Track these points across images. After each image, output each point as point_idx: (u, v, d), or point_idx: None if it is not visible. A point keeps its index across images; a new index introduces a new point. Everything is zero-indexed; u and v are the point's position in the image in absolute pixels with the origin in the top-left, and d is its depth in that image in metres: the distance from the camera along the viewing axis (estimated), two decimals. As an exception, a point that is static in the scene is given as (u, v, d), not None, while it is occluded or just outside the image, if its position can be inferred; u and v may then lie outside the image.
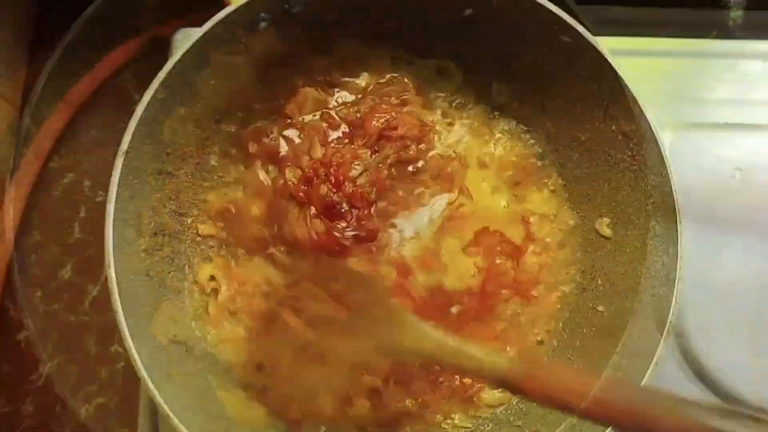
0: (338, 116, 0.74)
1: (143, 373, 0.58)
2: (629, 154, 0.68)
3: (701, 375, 0.76)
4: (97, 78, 0.84)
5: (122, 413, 0.75)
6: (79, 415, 0.76)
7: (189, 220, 0.72)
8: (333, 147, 0.73)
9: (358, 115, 0.74)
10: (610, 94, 0.66)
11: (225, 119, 0.72)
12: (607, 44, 0.65)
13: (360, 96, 0.75)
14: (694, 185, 0.78)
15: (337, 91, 0.75)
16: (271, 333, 0.65)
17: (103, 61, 0.84)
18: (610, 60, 0.65)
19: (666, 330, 0.61)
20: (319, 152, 0.72)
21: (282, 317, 0.62)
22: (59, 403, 0.77)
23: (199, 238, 0.73)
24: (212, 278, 0.71)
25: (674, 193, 0.63)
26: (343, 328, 0.59)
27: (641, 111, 0.64)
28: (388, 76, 0.76)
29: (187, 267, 0.71)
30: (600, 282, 0.72)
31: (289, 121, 0.74)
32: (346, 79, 0.76)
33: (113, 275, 0.59)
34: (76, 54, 0.80)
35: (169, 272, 0.69)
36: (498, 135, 0.77)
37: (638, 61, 0.84)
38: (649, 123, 0.64)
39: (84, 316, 0.79)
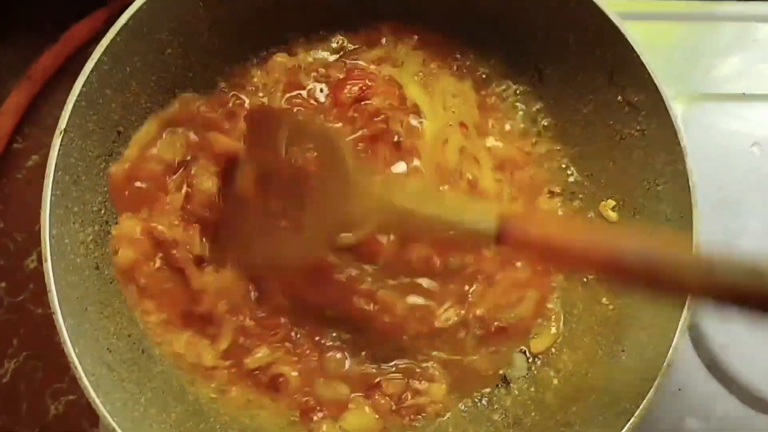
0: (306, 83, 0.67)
1: (85, 382, 0.52)
2: (637, 128, 0.62)
3: (716, 370, 0.72)
4: (63, 52, 0.80)
5: (93, 412, 0.68)
6: (48, 414, 0.73)
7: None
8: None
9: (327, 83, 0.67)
10: (615, 59, 0.60)
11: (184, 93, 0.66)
12: (609, 6, 0.59)
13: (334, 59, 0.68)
14: (708, 163, 0.74)
15: (311, 54, 0.68)
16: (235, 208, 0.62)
17: (69, 32, 0.80)
18: (614, 20, 0.58)
19: (680, 325, 0.54)
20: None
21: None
22: (26, 401, 0.74)
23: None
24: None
25: (688, 173, 0.56)
26: (310, 195, 0.56)
27: (651, 78, 0.58)
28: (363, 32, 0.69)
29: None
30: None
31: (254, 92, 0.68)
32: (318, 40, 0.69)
33: (50, 270, 0.53)
34: (40, 25, 0.79)
35: None
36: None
37: (644, 25, 0.78)
38: (660, 92, 0.57)
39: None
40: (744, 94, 0.77)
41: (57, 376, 0.74)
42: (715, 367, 0.71)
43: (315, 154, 0.56)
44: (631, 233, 0.50)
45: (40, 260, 0.69)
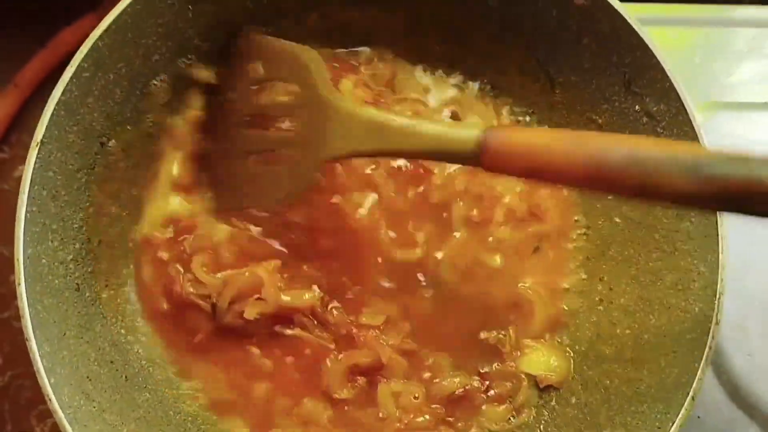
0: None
1: (60, 415, 0.49)
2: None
3: (737, 397, 0.69)
4: (51, 58, 0.77)
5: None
6: None
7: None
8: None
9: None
10: (634, 66, 0.57)
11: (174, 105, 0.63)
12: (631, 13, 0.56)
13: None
14: None
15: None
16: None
17: (57, 38, 0.77)
18: (632, 23, 0.55)
19: (705, 356, 0.50)
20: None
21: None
22: (10, 422, 0.71)
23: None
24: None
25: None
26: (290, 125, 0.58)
27: (673, 87, 0.54)
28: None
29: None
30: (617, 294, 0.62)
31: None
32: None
33: (23, 293, 0.50)
34: (27, 31, 0.77)
35: (106, 286, 0.60)
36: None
37: (658, 30, 0.74)
38: (683, 101, 0.54)
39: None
40: (765, 103, 0.75)
41: (43, 397, 0.68)
42: (736, 394, 0.68)
43: (291, 85, 0.58)
44: (618, 137, 0.50)
45: (26, 276, 0.68)
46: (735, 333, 0.68)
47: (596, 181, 0.44)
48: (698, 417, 0.67)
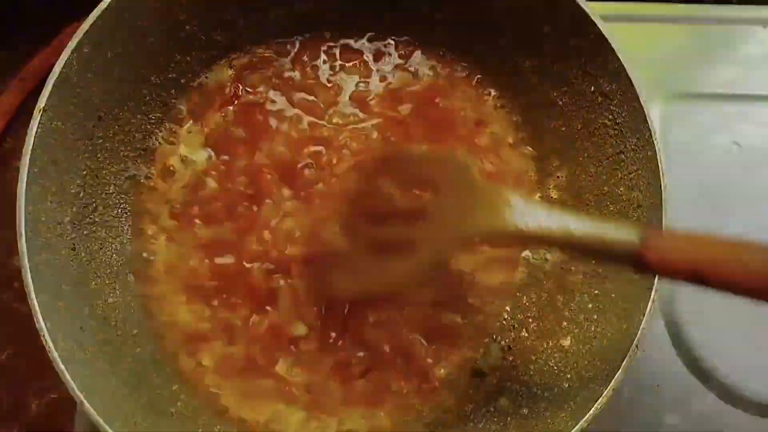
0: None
1: (54, 355, 0.52)
2: (609, 117, 0.62)
3: (694, 366, 0.71)
4: (56, 52, 0.75)
5: (76, 409, 0.69)
6: (29, 411, 0.72)
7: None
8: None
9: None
10: (589, 49, 0.61)
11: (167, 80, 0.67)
12: (595, 10, 0.59)
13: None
14: (688, 162, 0.75)
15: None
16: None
17: (63, 32, 0.79)
18: (588, 12, 0.59)
19: (649, 306, 0.54)
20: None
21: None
22: (7, 398, 0.73)
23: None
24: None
25: (658, 157, 0.57)
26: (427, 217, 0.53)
27: (622, 66, 0.58)
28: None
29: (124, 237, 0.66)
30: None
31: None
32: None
33: (24, 245, 0.53)
34: (33, 27, 0.78)
35: (101, 249, 0.63)
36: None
37: (628, 27, 0.78)
38: (629, 78, 0.58)
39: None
40: (723, 94, 0.78)
41: (40, 374, 0.72)
42: (692, 363, 0.71)
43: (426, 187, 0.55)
44: None
45: (25, 258, 0.70)
46: (692, 305, 0.71)
47: None
48: (657, 385, 0.70)
